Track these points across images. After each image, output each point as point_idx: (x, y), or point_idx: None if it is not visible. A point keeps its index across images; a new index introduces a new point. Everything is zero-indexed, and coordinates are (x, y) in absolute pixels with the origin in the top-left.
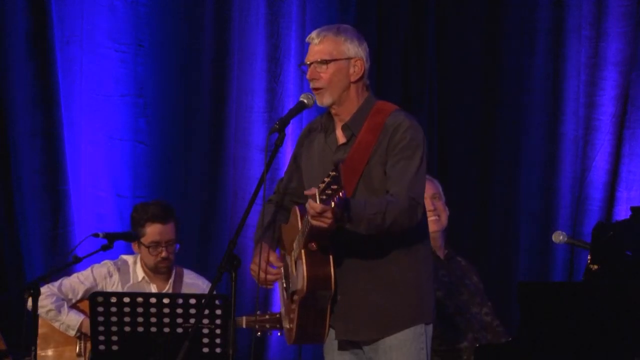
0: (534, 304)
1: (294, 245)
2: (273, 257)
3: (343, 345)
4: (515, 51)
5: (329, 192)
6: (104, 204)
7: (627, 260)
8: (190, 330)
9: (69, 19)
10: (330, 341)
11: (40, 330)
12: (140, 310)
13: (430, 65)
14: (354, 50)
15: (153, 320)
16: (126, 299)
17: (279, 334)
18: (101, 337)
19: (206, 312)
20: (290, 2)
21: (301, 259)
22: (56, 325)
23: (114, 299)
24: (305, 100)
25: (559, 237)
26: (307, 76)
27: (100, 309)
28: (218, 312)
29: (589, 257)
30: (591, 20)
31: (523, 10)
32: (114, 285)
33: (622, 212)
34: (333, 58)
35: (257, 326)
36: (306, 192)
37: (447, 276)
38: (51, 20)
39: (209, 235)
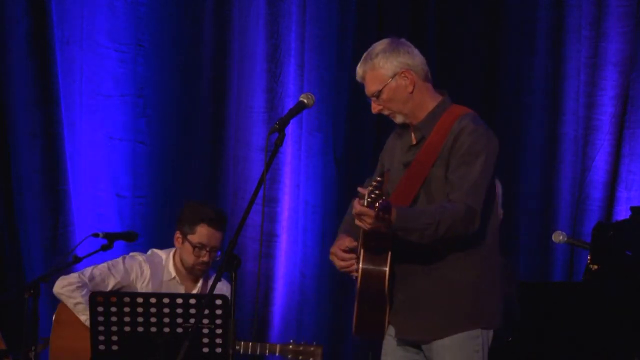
0: (534, 303)
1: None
2: (349, 243)
3: (401, 343)
4: (515, 51)
5: (373, 196)
6: (104, 204)
7: (627, 260)
8: (190, 330)
9: (69, 19)
10: (389, 338)
11: (63, 317)
12: (140, 310)
13: (430, 66)
14: (393, 66)
15: (153, 320)
16: (126, 299)
17: None
18: (101, 337)
19: (206, 312)
20: (290, 2)
21: (360, 255)
22: (82, 318)
23: (113, 299)
24: (305, 100)
25: (558, 237)
26: (373, 110)
27: (100, 308)
28: (218, 312)
29: (589, 257)
30: (591, 21)
31: (523, 11)
32: (144, 282)
33: (622, 212)
34: (380, 88)
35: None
36: (359, 189)
37: None
38: (51, 21)
39: None
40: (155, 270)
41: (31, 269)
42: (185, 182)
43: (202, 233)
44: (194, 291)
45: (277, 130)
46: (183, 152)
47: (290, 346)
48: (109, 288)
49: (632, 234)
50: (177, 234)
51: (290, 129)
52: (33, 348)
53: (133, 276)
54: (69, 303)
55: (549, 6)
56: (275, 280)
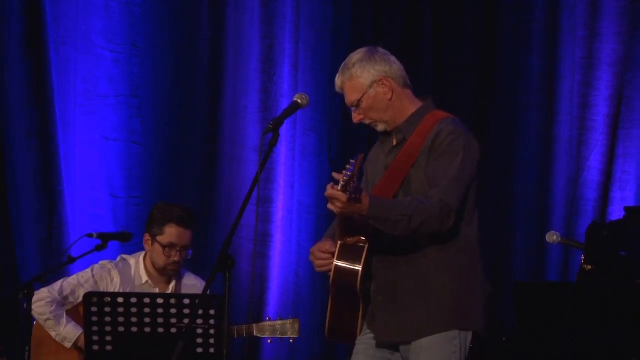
0: (529, 304)
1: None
2: (330, 247)
3: (380, 345)
4: (511, 51)
5: (346, 178)
6: (99, 204)
7: (621, 260)
8: (184, 330)
9: (64, 19)
10: (361, 340)
11: (40, 334)
12: (134, 310)
13: (426, 66)
14: (370, 74)
15: (147, 320)
16: (120, 299)
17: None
18: (95, 338)
19: (200, 312)
20: (284, 2)
21: (335, 253)
22: (52, 334)
23: (107, 299)
24: (299, 101)
25: (552, 237)
26: (354, 120)
27: (94, 309)
28: (212, 312)
29: (582, 257)
30: (586, 21)
31: (518, 11)
32: (115, 289)
33: (616, 212)
34: (359, 97)
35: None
36: (334, 174)
37: None
38: (46, 21)
39: (203, 235)
40: (125, 276)
41: (25, 269)
42: (179, 183)
43: (171, 233)
44: (168, 292)
45: (272, 130)
46: (178, 152)
47: (267, 324)
48: (80, 299)
49: (626, 234)
50: (146, 237)
51: (284, 129)
52: (27, 348)
53: (103, 285)
54: (40, 320)
55: (544, 6)
56: (270, 280)
